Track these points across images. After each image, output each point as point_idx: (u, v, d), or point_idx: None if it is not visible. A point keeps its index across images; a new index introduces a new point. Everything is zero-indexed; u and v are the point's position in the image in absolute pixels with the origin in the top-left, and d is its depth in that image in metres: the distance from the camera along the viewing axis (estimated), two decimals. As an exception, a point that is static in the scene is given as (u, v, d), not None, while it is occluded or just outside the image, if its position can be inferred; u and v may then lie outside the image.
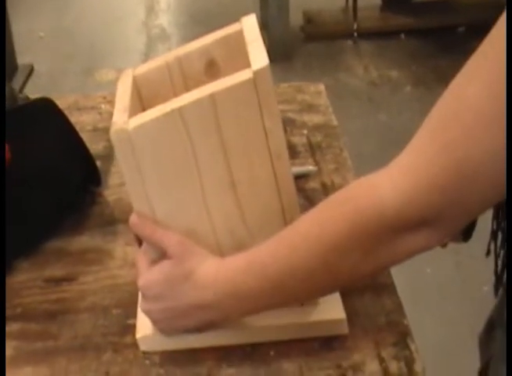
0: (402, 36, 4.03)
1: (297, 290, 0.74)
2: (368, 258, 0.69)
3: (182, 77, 0.82)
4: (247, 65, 0.72)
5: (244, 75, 0.71)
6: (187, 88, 0.81)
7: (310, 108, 1.33)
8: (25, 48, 3.06)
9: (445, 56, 3.79)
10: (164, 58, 0.82)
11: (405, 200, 0.65)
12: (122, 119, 0.73)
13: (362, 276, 0.74)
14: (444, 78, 3.55)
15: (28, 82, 2.55)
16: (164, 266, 0.77)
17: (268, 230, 0.77)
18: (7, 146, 0.89)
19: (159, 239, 0.77)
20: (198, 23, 4.20)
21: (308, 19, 4.08)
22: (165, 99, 0.75)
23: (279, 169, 0.76)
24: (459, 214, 0.65)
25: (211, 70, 0.82)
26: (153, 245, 0.79)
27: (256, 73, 0.70)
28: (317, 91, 1.40)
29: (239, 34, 0.79)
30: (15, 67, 2.45)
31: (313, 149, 1.21)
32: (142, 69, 0.82)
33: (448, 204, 0.64)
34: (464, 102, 0.62)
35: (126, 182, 0.76)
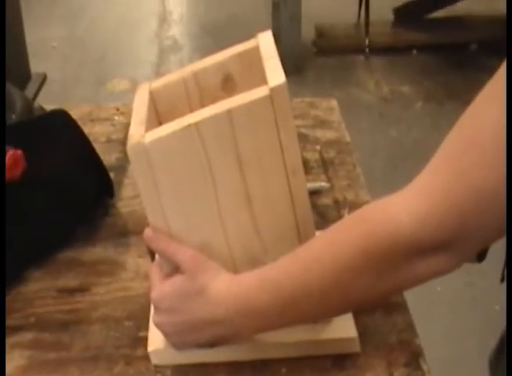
0: (414, 52, 4.04)
1: (310, 309, 0.74)
2: (382, 280, 0.69)
3: (199, 92, 0.83)
4: (263, 81, 0.72)
5: (261, 92, 0.71)
6: (203, 103, 0.82)
7: (323, 124, 1.34)
8: (38, 57, 3.08)
9: (456, 72, 3.80)
10: (180, 73, 0.83)
11: (420, 225, 0.65)
12: (139, 132, 0.73)
13: (375, 297, 0.74)
14: (455, 94, 3.58)
15: (41, 91, 2.56)
16: (177, 280, 0.78)
17: (282, 245, 0.77)
18: (23, 155, 0.89)
19: (172, 253, 0.78)
20: (210, 34, 4.22)
21: (320, 33, 4.10)
22: (181, 114, 0.75)
23: (295, 185, 0.76)
24: (476, 238, 0.65)
25: (227, 85, 0.83)
26: (167, 259, 0.79)
27: (273, 90, 0.71)
28: (330, 107, 1.41)
29: (256, 50, 0.80)
30: (28, 76, 2.46)
31: (326, 165, 1.21)
32: (159, 83, 0.83)
33: (466, 228, 0.63)
34: (482, 126, 0.62)
35: (141, 196, 0.76)
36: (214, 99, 0.79)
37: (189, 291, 0.76)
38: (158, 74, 3.86)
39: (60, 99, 3.28)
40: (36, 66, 2.67)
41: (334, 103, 1.42)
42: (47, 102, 1.26)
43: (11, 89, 0.99)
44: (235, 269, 0.79)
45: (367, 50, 4.02)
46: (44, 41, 4.11)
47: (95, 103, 3.35)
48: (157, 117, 0.83)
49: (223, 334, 0.77)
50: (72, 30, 4.43)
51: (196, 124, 0.71)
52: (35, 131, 0.96)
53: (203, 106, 0.80)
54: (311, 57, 4.03)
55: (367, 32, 4.00)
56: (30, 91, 2.43)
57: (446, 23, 4.13)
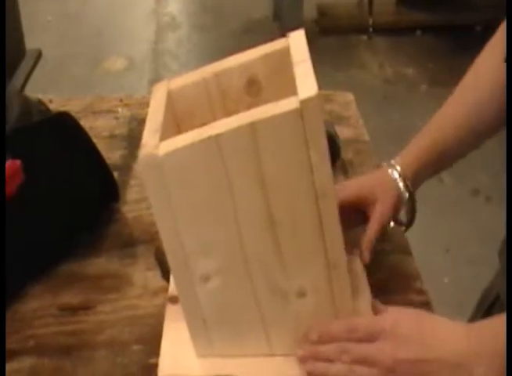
0: (418, 33, 3.94)
1: None
2: None
3: (221, 95, 0.75)
4: (292, 86, 0.64)
5: (290, 104, 0.63)
6: (226, 108, 0.75)
7: (339, 120, 1.25)
8: (32, 32, 2.97)
9: (461, 54, 3.69)
10: (200, 72, 0.75)
11: None
12: (153, 142, 0.65)
13: None
14: (461, 78, 3.47)
15: (36, 68, 2.46)
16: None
17: (307, 274, 0.71)
18: (21, 165, 0.81)
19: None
20: (209, 11, 4.10)
21: (322, 12, 3.99)
22: (202, 118, 0.69)
23: (324, 209, 0.68)
24: None
25: (252, 89, 0.75)
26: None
27: (303, 103, 0.62)
28: (346, 101, 1.33)
29: (285, 52, 0.72)
30: (23, 53, 2.36)
31: (345, 167, 1.13)
32: (178, 82, 0.75)
33: None
34: None
35: (154, 213, 0.69)
36: (237, 104, 0.73)
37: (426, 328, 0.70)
38: (155, 52, 3.76)
39: (55, 79, 3.18)
40: (30, 41, 2.57)
41: (351, 97, 1.34)
42: (42, 79, 1.15)
43: (8, 91, 0.91)
44: (254, 297, 0.72)
45: (371, 30, 3.91)
46: (37, 15, 3.98)
47: (92, 84, 3.24)
48: (175, 121, 0.75)
49: None
50: (66, 6, 4.29)
51: (217, 136, 0.63)
52: (34, 137, 0.88)
53: (225, 110, 0.74)
54: (313, 37, 3.92)
55: (371, 11, 3.88)
56: (24, 69, 2.34)
57: (451, 4, 4.02)
